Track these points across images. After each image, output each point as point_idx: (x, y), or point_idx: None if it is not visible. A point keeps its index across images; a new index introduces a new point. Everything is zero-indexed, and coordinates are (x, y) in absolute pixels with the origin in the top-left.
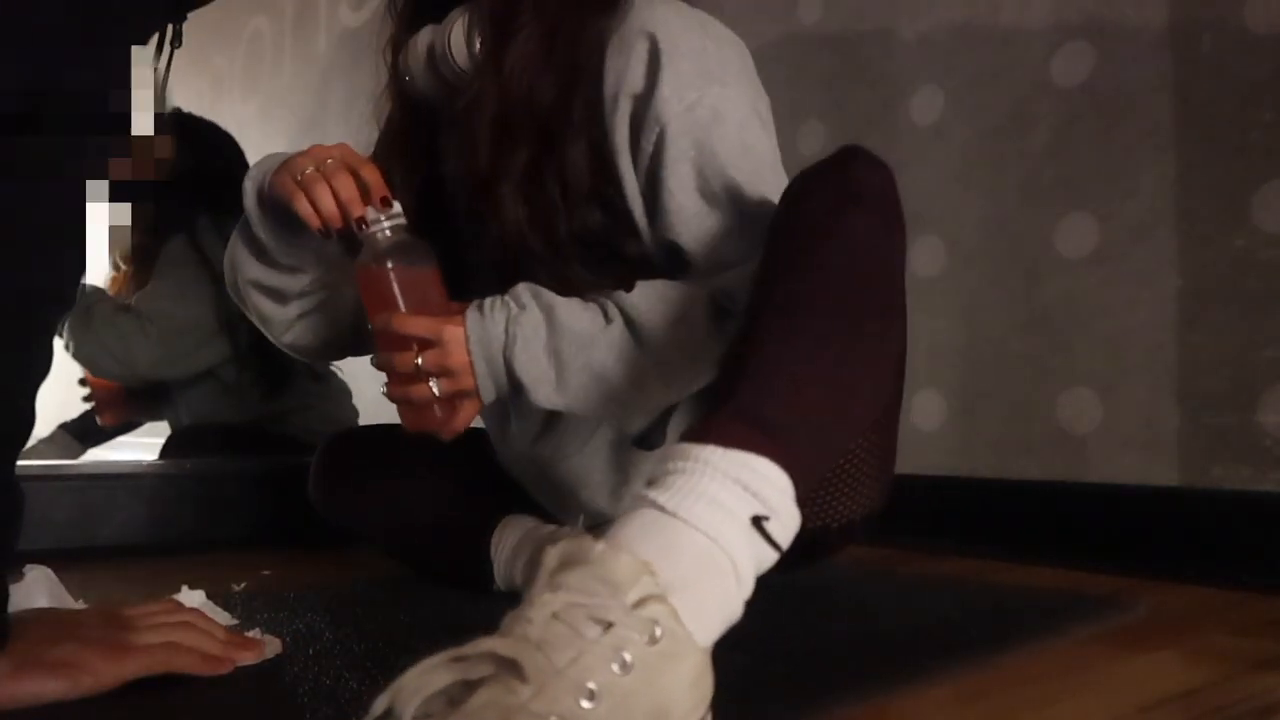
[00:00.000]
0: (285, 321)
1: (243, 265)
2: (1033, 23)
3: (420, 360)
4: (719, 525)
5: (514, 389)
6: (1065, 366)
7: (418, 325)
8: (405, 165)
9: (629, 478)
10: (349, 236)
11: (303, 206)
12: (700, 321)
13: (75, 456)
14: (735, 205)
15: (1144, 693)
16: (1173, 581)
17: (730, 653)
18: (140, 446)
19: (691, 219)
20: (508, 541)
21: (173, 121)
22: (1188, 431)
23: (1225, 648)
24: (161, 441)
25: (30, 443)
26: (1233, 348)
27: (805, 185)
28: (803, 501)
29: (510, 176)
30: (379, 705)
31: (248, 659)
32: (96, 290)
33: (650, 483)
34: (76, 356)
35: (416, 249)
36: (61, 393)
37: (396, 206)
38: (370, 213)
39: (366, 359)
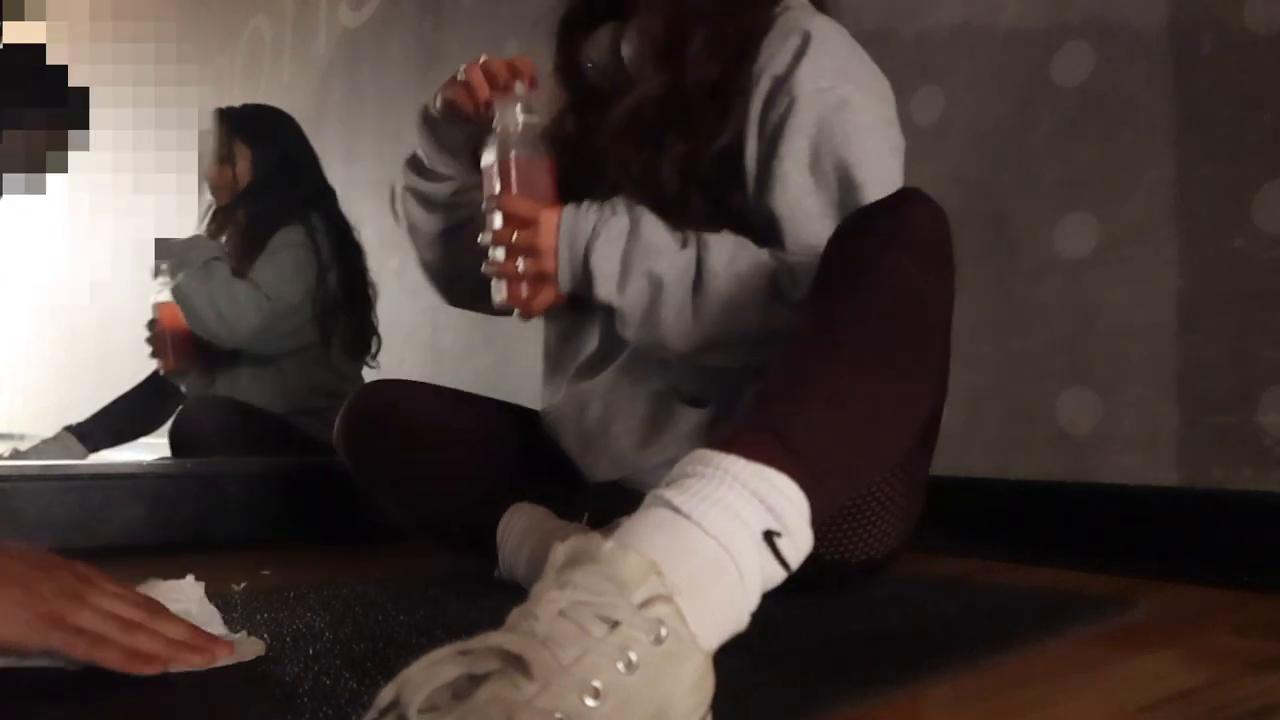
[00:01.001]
0: (430, 233)
1: (404, 175)
2: (1033, 23)
3: (515, 237)
4: (731, 533)
5: (586, 281)
6: (1065, 366)
7: (520, 205)
8: (565, 141)
9: (660, 431)
10: (488, 127)
11: (454, 89)
12: (757, 288)
13: (79, 458)
14: (839, 193)
15: (1144, 693)
16: (1173, 581)
17: (730, 653)
18: (140, 446)
19: (793, 189)
20: (515, 530)
21: (232, 124)
22: (1188, 432)
23: (1225, 648)
24: (159, 443)
25: (33, 443)
26: (1233, 348)
27: (858, 222)
28: (818, 528)
29: (672, 146)
30: (385, 696)
31: (195, 663)
32: (219, 246)
33: (668, 483)
34: (183, 303)
35: (540, 146)
36: (64, 394)
37: (536, 113)
38: (516, 90)
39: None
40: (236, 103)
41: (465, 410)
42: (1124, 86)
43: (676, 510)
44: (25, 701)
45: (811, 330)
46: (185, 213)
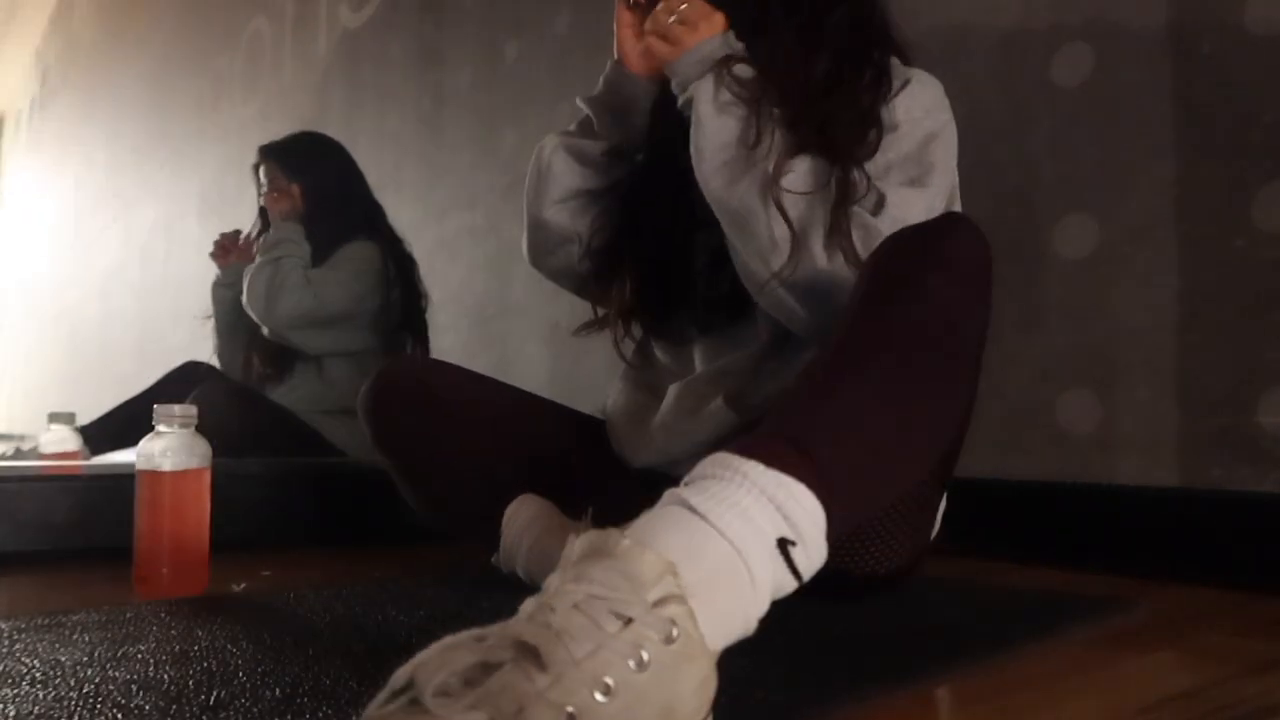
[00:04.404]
0: (567, 188)
1: (561, 134)
2: (1033, 23)
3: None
4: (746, 538)
5: (695, 73)
6: (1065, 366)
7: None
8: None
9: (698, 410)
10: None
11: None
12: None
13: (78, 446)
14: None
15: (1144, 693)
16: (1173, 581)
17: (732, 653)
18: None
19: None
20: (518, 521)
21: (276, 157)
22: (1188, 432)
23: (1225, 648)
24: None
25: (33, 443)
26: (1233, 348)
27: (901, 241)
28: (832, 542)
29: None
30: (399, 677)
31: None
32: (304, 248)
33: (686, 483)
34: (246, 280)
35: None
36: (64, 394)
37: None
38: None
39: None
40: (236, 106)
41: (491, 394)
42: (1124, 86)
43: (693, 510)
44: None
45: (843, 343)
46: (182, 218)
